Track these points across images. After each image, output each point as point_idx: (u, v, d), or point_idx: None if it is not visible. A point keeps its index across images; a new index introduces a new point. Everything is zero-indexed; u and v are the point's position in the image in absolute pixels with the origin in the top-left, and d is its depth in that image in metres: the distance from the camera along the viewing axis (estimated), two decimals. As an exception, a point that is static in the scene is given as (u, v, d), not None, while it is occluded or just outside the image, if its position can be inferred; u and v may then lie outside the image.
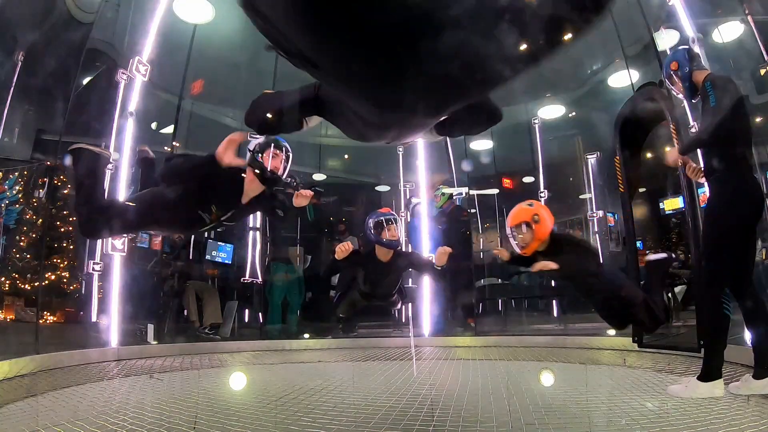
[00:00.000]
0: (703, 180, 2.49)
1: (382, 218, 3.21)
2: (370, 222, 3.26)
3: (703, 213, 2.62)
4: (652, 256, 2.91)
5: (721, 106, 2.19)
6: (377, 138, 1.56)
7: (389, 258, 3.25)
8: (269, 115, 1.62)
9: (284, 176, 2.34)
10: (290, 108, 1.60)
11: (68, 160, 2.26)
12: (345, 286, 3.73)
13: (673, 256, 2.77)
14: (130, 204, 2.43)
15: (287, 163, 2.33)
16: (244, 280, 5.74)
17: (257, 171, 2.27)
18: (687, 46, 2.68)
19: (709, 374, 2.17)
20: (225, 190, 2.25)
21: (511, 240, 2.76)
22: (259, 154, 2.27)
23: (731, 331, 2.39)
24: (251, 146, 2.33)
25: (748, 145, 2.31)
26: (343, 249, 3.05)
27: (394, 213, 3.33)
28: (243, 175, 2.30)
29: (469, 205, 6.82)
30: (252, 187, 2.29)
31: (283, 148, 2.32)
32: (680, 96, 2.65)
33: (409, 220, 5.99)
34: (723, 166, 2.27)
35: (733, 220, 2.22)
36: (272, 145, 2.26)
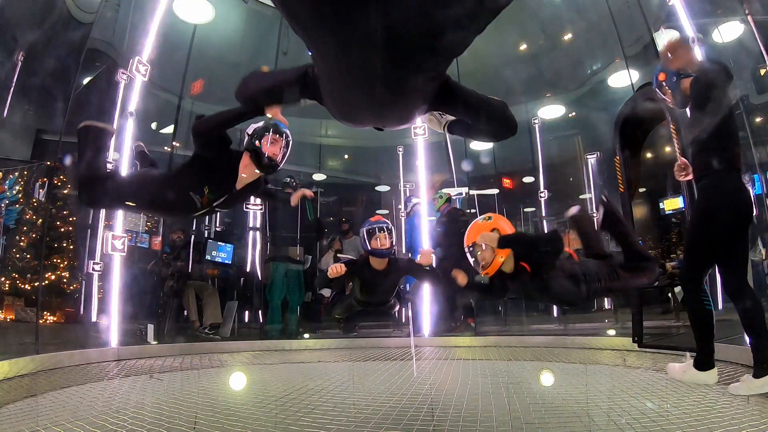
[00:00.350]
0: (688, 178, 2.55)
1: (374, 227, 3.18)
2: (363, 231, 3.24)
3: (690, 214, 2.62)
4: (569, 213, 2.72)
5: (718, 105, 2.24)
6: (365, 114, 1.48)
7: (384, 266, 3.22)
8: (260, 90, 1.61)
9: (282, 163, 2.25)
10: (282, 83, 1.58)
11: (73, 144, 2.27)
12: (340, 285, 3.71)
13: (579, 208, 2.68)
14: (128, 178, 2.42)
15: (287, 149, 2.23)
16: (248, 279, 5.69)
17: (254, 156, 2.18)
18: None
19: (703, 363, 2.31)
20: (220, 173, 2.17)
21: (471, 260, 2.50)
22: (257, 140, 2.18)
23: (732, 331, 2.42)
24: (249, 130, 2.25)
25: (736, 147, 2.34)
26: (336, 270, 3.05)
27: (386, 221, 3.27)
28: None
29: (469, 205, 6.82)
30: (247, 172, 2.21)
31: (284, 134, 2.21)
32: (671, 105, 2.65)
33: (406, 219, 5.99)
34: (711, 171, 2.31)
35: (716, 225, 2.28)
36: (271, 130, 2.17)
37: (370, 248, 3.16)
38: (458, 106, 1.52)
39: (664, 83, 2.55)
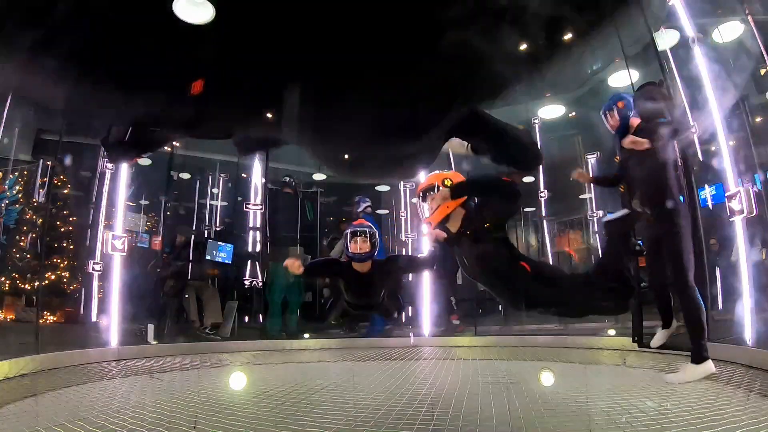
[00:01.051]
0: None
1: (354, 230, 3.16)
2: (345, 235, 3.23)
3: (666, 240, 2.78)
4: (609, 216, 2.85)
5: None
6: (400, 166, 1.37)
7: (367, 269, 3.20)
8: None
9: None
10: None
11: None
12: (337, 292, 3.67)
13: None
14: None
15: None
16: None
17: None
18: (632, 96, 3.09)
19: (700, 357, 2.47)
20: None
21: (422, 206, 2.38)
22: None
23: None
24: None
25: (678, 180, 2.75)
26: (290, 265, 3.01)
27: (368, 226, 3.23)
28: None
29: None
30: None
31: None
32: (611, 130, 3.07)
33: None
34: (664, 201, 2.68)
35: (687, 239, 2.64)
36: None
37: (350, 252, 3.14)
38: (483, 137, 1.46)
39: (617, 111, 3.00)
